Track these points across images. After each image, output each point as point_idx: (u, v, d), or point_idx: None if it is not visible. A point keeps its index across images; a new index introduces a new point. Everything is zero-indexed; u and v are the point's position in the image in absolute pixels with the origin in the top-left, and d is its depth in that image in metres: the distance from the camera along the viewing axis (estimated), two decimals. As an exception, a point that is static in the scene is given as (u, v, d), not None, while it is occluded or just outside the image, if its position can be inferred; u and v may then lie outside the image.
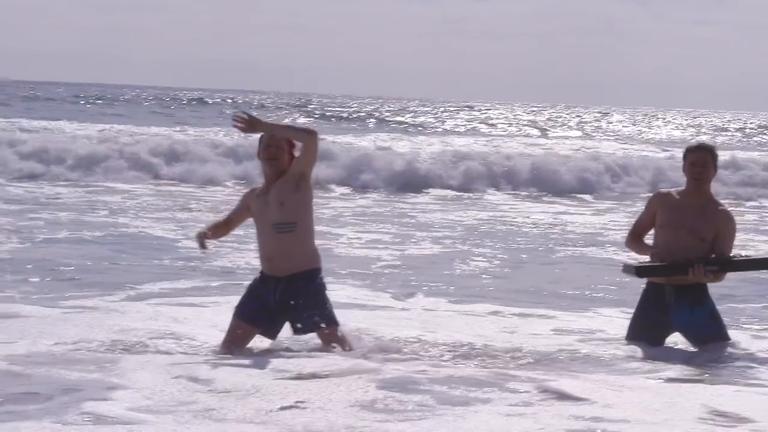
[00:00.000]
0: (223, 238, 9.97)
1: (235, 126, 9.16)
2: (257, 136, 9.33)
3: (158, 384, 8.15)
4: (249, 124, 9.09)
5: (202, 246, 9.34)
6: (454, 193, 30.20)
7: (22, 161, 29.29)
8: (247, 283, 9.65)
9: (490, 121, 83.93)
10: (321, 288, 9.29)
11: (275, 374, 8.61)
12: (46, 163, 29.37)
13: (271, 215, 9.15)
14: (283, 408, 7.67)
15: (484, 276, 15.50)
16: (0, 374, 8.35)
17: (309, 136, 9.17)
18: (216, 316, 10.19)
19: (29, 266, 14.38)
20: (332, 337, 9.25)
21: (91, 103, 71.61)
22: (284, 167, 9.18)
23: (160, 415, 7.35)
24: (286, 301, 9.16)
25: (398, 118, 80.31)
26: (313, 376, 8.63)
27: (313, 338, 9.44)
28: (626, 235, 10.28)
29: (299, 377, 8.57)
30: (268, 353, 9.31)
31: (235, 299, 9.60)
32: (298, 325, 9.23)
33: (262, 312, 9.25)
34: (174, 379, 8.32)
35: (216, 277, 13.91)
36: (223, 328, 9.48)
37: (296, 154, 9.22)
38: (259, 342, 9.51)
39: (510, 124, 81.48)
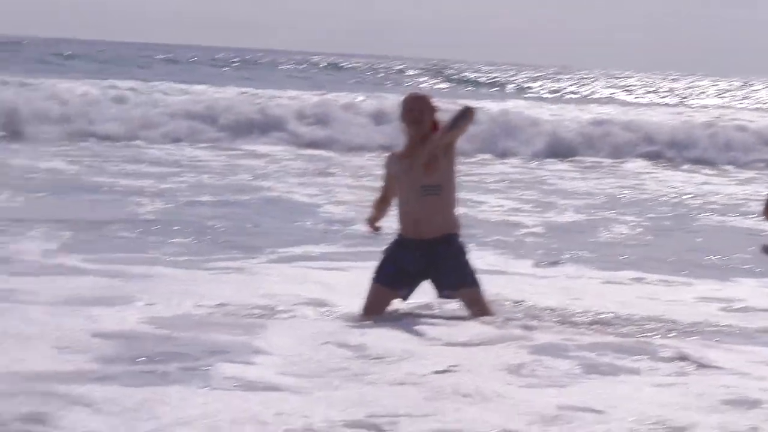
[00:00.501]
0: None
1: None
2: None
3: (305, 349, 8.18)
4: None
5: (375, 229, 9.50)
6: (594, 160, 29.95)
7: (164, 125, 29.76)
8: (385, 247, 9.64)
9: (629, 89, 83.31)
10: (463, 250, 9.32)
11: (424, 340, 8.66)
12: (187, 126, 29.79)
13: (418, 178, 9.14)
14: (435, 372, 7.70)
15: (626, 244, 15.35)
16: (146, 336, 8.46)
17: (472, 117, 9.21)
18: (357, 281, 10.19)
19: (173, 228, 14.51)
20: (475, 299, 9.27)
21: (228, 66, 72.46)
22: (427, 130, 9.17)
23: (311, 379, 7.38)
24: (428, 264, 9.19)
25: (536, 85, 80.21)
26: (462, 342, 8.65)
27: (449, 302, 9.49)
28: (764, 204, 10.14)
29: (448, 343, 8.58)
30: (413, 319, 9.31)
31: (375, 264, 9.61)
32: (441, 288, 9.28)
33: (401, 276, 9.28)
34: (322, 344, 8.35)
35: (356, 242, 13.91)
36: (364, 292, 9.50)
37: (438, 117, 9.25)
38: (401, 307, 9.53)
39: (649, 92, 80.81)
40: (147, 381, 7.17)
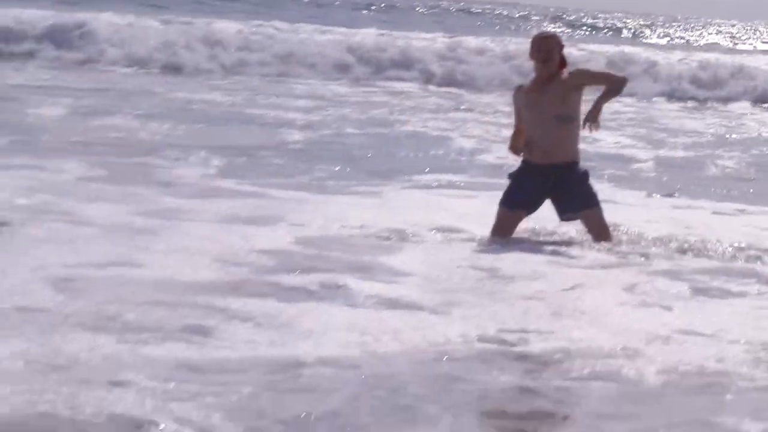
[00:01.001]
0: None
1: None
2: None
3: (440, 271, 8.19)
4: (595, 124, 9.17)
5: (518, 153, 9.36)
6: (701, 101, 29.36)
7: (309, 63, 29.84)
8: (511, 173, 9.55)
9: (734, 37, 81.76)
10: (586, 176, 9.29)
11: (549, 262, 8.65)
12: (331, 63, 29.86)
13: (551, 108, 9.05)
14: (562, 290, 7.77)
15: (732, 177, 15.19)
16: (295, 254, 8.51)
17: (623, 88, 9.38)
18: (485, 209, 10.22)
19: (319, 156, 14.67)
20: (596, 220, 9.23)
21: (367, 9, 72.55)
22: (554, 68, 9.10)
23: (447, 297, 7.39)
24: (553, 188, 9.15)
25: (648, 31, 79.23)
26: (584, 265, 8.64)
27: (571, 229, 9.52)
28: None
29: (571, 266, 8.58)
30: (538, 244, 9.32)
31: (502, 190, 9.60)
32: (564, 211, 9.25)
33: (526, 200, 9.23)
34: (456, 266, 8.37)
35: (485, 172, 13.90)
36: (492, 217, 9.46)
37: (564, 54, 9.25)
38: (526, 233, 9.54)
39: (753, 40, 79.24)
40: (298, 296, 7.23)
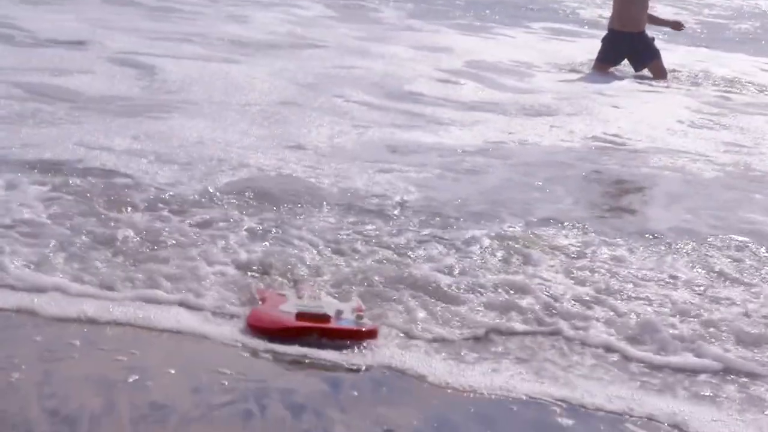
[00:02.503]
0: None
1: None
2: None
3: (565, 89, 8.93)
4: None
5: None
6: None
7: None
8: (603, 37, 10.52)
9: None
10: (652, 39, 10.38)
11: (634, 90, 9.48)
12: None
13: None
14: (643, 105, 8.53)
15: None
16: (462, 71, 9.16)
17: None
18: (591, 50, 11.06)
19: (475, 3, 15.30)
20: (659, 67, 10.35)
21: None
22: None
23: (573, 105, 7.96)
24: (634, 48, 10.31)
25: None
26: (656, 90, 9.45)
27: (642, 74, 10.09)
28: None
29: (645, 90, 9.43)
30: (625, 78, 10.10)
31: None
32: (638, 64, 10.37)
33: (613, 57, 10.46)
34: (573, 89, 9.04)
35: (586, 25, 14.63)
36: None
37: None
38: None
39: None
40: (463, 106, 7.87)
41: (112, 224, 4.20)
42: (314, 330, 3.30)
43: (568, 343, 3.50)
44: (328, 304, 3.48)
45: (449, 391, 3.08)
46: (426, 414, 2.90)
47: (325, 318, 3.36)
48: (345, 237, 4.35)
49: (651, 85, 9.72)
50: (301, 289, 3.64)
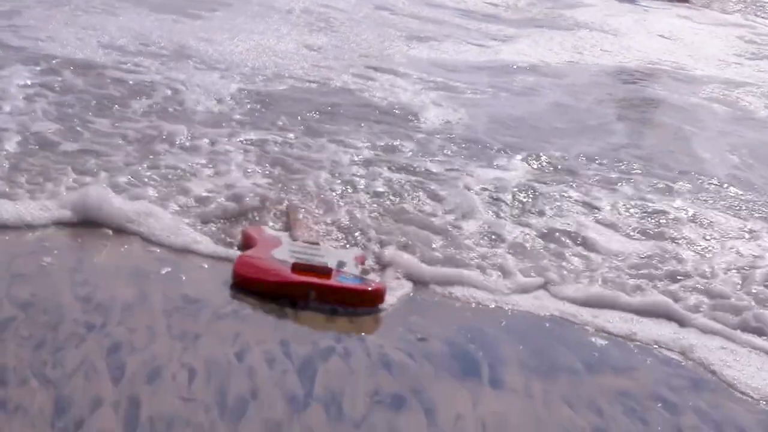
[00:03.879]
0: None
1: None
2: None
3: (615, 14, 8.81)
4: None
5: None
6: None
7: None
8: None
9: None
10: None
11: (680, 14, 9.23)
12: None
13: None
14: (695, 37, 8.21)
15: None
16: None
17: None
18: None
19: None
20: None
21: None
22: None
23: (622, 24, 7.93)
24: None
25: None
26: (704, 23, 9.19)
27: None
28: None
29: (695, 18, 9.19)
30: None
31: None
32: None
33: None
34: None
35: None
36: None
37: None
38: None
39: None
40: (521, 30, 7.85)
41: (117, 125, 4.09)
42: (312, 287, 2.80)
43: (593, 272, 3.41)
44: (327, 252, 3.02)
45: (480, 306, 3.05)
46: (457, 324, 2.87)
47: (325, 272, 2.87)
48: (370, 159, 4.17)
49: (706, 14, 9.60)
50: (297, 226, 3.22)
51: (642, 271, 3.42)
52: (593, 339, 2.91)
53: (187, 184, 3.51)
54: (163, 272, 2.85)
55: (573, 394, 2.58)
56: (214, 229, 3.21)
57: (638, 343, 2.94)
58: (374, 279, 2.94)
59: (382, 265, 3.11)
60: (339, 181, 3.80)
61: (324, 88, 5.04)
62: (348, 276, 2.87)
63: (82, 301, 2.61)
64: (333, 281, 2.83)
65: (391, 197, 3.72)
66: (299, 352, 2.53)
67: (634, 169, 4.55)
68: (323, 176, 3.83)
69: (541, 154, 4.55)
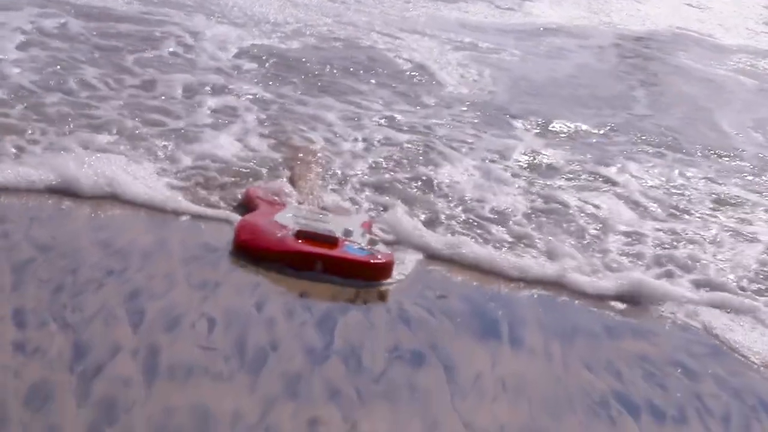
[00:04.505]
0: None
1: None
2: None
3: None
4: None
5: None
6: None
7: None
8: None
9: None
10: None
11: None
12: None
13: None
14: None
15: None
16: None
17: None
18: None
19: None
20: None
21: None
22: None
23: None
24: None
25: None
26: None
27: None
28: None
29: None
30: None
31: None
32: None
33: None
34: None
35: None
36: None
37: None
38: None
39: None
40: None
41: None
42: (318, 258, 2.65)
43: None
44: (333, 219, 2.89)
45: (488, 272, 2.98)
46: (475, 284, 2.87)
47: (332, 241, 2.71)
48: (382, 120, 4.09)
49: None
50: (301, 187, 3.09)
51: (657, 249, 3.37)
52: (612, 303, 2.87)
53: (189, 145, 3.41)
54: (183, 220, 2.81)
55: (592, 357, 2.55)
56: (204, 191, 3.08)
57: (658, 308, 2.89)
58: (382, 249, 2.79)
59: (389, 240, 2.97)
60: (347, 142, 3.75)
61: (346, 46, 4.99)
62: (355, 246, 2.71)
63: (101, 246, 2.59)
64: (340, 252, 2.66)
65: (402, 160, 3.66)
66: (318, 305, 2.51)
67: (655, 143, 4.48)
68: (330, 136, 3.78)
69: (559, 123, 4.47)
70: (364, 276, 2.65)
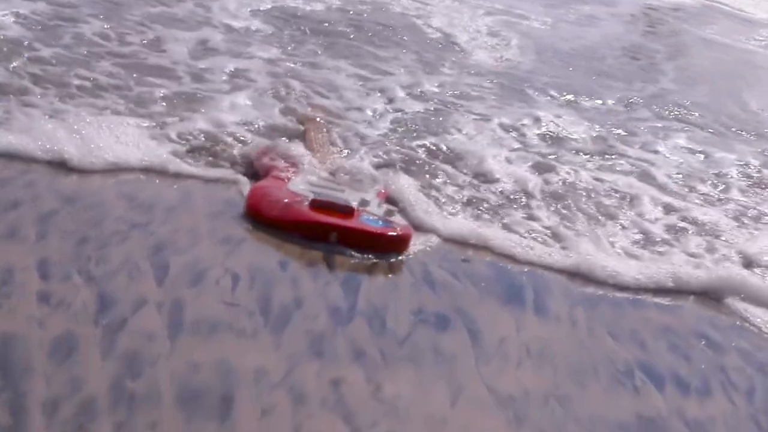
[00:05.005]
0: None
1: None
2: None
3: None
4: None
5: None
6: None
7: None
8: None
9: None
10: None
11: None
12: None
13: None
14: None
15: None
16: None
17: None
18: None
19: None
20: None
21: None
22: None
23: None
24: None
25: None
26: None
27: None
28: None
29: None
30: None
31: None
32: None
33: None
34: None
35: None
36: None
37: None
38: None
39: None
40: None
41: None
42: (333, 228, 2.54)
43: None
44: (347, 188, 2.80)
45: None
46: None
47: (348, 211, 2.61)
48: (401, 92, 3.96)
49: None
50: (314, 152, 2.99)
51: (680, 229, 3.31)
52: (637, 275, 2.84)
53: (198, 108, 3.33)
54: (192, 183, 2.79)
55: (617, 326, 2.53)
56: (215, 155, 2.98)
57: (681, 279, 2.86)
58: (399, 221, 2.68)
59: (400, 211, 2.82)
60: (362, 109, 3.68)
61: (374, 10, 4.91)
62: (372, 217, 2.60)
63: (125, 199, 2.57)
64: (356, 223, 2.55)
65: (418, 129, 3.57)
66: (342, 265, 2.50)
67: (681, 119, 4.39)
68: (345, 102, 3.71)
69: (583, 95, 4.39)
70: (380, 248, 2.56)
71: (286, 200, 2.58)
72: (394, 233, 2.58)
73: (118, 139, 2.89)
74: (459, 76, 4.24)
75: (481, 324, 2.34)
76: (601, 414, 2.10)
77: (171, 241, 2.40)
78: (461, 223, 2.90)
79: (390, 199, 2.87)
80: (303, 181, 2.72)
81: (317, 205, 2.56)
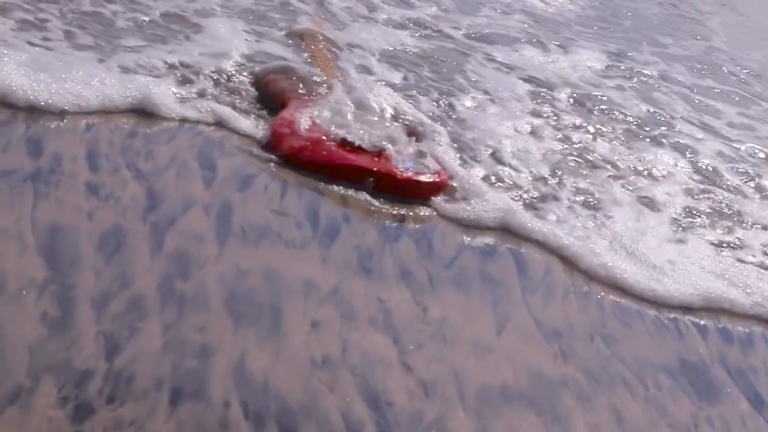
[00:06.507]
0: None
1: None
2: None
3: None
4: None
5: None
6: None
7: None
8: None
9: None
10: None
11: None
12: None
13: None
14: None
15: None
16: None
17: None
18: None
19: None
20: None
21: None
22: None
23: None
24: None
25: None
26: None
27: None
28: None
29: None
30: None
31: None
32: None
33: None
34: None
35: None
36: None
37: None
38: None
39: None
40: None
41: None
42: (370, 173, 2.38)
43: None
44: (369, 120, 2.61)
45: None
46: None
47: (380, 153, 2.45)
48: (430, 30, 3.74)
49: None
50: (318, 65, 2.80)
51: (717, 214, 3.02)
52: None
53: (194, 35, 3.09)
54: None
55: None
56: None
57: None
58: (431, 164, 2.49)
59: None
60: (382, 41, 3.47)
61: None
62: (406, 160, 2.43)
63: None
64: (395, 169, 2.38)
65: (441, 70, 3.35)
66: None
67: (729, 87, 4.11)
68: (366, 36, 3.50)
69: (625, 55, 4.14)
70: (419, 195, 2.41)
71: (317, 139, 2.41)
72: (439, 178, 2.43)
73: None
74: (498, 14, 4.10)
75: (527, 255, 2.30)
76: (645, 356, 2.07)
77: (218, 144, 2.34)
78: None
79: (411, 131, 2.67)
80: (326, 112, 2.53)
81: (348, 144, 2.40)
